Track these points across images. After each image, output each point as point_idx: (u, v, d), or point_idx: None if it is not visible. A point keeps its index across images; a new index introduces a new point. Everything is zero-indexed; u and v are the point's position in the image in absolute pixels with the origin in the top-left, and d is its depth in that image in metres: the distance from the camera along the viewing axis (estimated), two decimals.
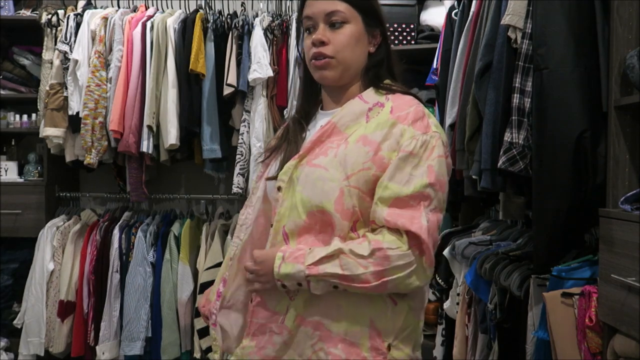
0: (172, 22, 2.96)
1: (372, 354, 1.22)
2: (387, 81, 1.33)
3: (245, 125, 2.92)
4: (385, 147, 1.21)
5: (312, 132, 1.34)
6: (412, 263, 1.16)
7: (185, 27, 2.95)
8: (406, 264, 1.16)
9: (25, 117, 3.30)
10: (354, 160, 1.21)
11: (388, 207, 1.18)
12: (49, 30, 3.10)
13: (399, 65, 1.38)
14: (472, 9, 2.24)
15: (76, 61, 2.96)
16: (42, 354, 3.05)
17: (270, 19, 3.00)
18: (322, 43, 1.26)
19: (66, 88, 3.00)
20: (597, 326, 1.59)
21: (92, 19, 3.01)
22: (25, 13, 3.31)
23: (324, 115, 1.35)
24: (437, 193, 1.20)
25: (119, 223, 3.08)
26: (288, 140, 1.35)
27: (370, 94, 1.30)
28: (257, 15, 3.03)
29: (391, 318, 1.24)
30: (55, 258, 3.06)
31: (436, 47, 2.72)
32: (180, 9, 3.18)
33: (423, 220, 1.17)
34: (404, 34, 3.04)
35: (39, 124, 3.14)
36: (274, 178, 1.30)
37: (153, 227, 3.08)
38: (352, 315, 1.22)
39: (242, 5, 3.15)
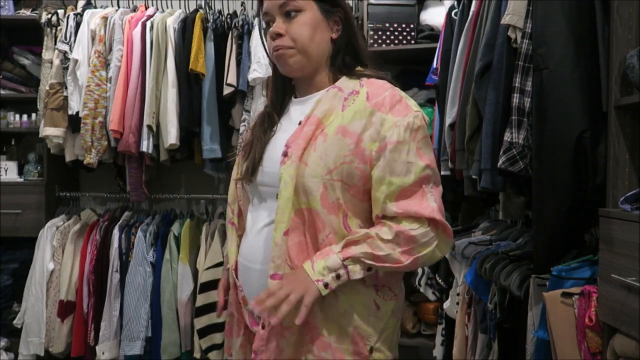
0: (172, 21, 2.96)
1: (354, 357, 1.25)
2: (358, 68, 1.33)
3: (245, 125, 2.92)
4: (366, 137, 1.22)
5: (286, 123, 1.35)
6: (434, 238, 1.24)
7: (185, 27, 2.95)
8: (430, 239, 1.23)
9: (25, 117, 3.30)
10: (335, 154, 1.22)
11: (395, 200, 1.22)
12: (48, 30, 3.10)
13: (366, 49, 1.37)
14: (472, 8, 2.24)
15: (76, 61, 2.96)
16: (42, 354, 3.04)
17: None
18: (279, 35, 1.27)
19: (66, 88, 3.00)
20: (597, 326, 1.59)
21: (92, 19, 3.01)
22: (25, 13, 3.31)
23: (297, 103, 1.36)
24: (434, 170, 1.26)
25: (119, 223, 3.08)
26: (254, 138, 1.37)
27: (345, 82, 1.30)
28: (257, 15, 3.03)
29: (373, 322, 1.27)
30: (55, 258, 3.05)
31: (436, 47, 2.72)
32: (180, 8, 3.18)
33: (432, 202, 1.23)
34: (404, 34, 3.04)
35: (38, 123, 3.14)
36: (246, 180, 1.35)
37: (153, 227, 3.07)
38: (339, 320, 1.25)
39: (242, 5, 3.15)
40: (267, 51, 1.35)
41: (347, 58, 1.32)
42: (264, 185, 1.31)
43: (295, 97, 1.38)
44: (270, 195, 1.29)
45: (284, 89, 1.40)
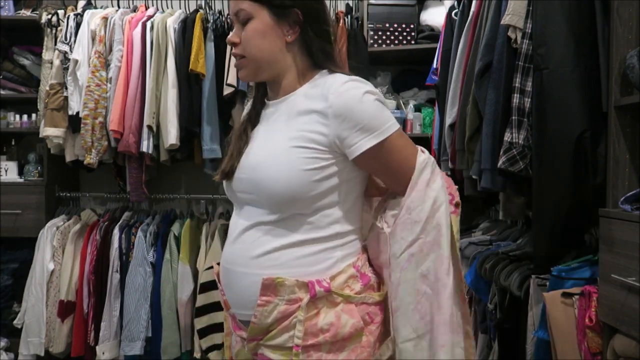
0: (172, 22, 2.96)
1: None
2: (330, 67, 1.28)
3: None
4: None
5: (263, 128, 1.30)
6: None
7: (185, 27, 2.95)
8: None
9: (25, 117, 3.30)
10: None
11: None
12: (49, 30, 3.10)
13: (331, 49, 1.29)
14: (472, 9, 2.24)
15: (76, 61, 2.96)
16: (42, 354, 3.04)
17: None
18: (233, 43, 1.26)
19: (66, 88, 3.00)
20: (597, 326, 1.59)
21: (92, 19, 3.01)
22: (25, 13, 3.31)
23: (270, 106, 1.30)
24: None
25: (119, 223, 3.08)
26: (231, 146, 1.32)
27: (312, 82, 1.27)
28: None
29: None
30: (55, 258, 3.05)
31: (436, 47, 2.72)
32: (180, 9, 3.19)
33: None
34: (404, 34, 3.05)
35: (39, 124, 3.14)
36: None
37: (153, 227, 3.07)
38: None
39: None
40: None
41: (315, 59, 1.26)
42: (241, 192, 1.27)
43: (269, 100, 1.33)
44: (248, 202, 1.26)
45: (259, 91, 1.36)
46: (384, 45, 3.04)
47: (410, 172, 1.19)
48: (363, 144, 1.16)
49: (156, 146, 2.96)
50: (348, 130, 1.15)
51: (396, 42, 3.04)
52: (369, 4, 3.05)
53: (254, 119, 1.34)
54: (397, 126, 1.19)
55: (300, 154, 1.17)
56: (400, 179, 1.21)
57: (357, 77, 1.20)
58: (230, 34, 1.27)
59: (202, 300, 2.89)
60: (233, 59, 2.91)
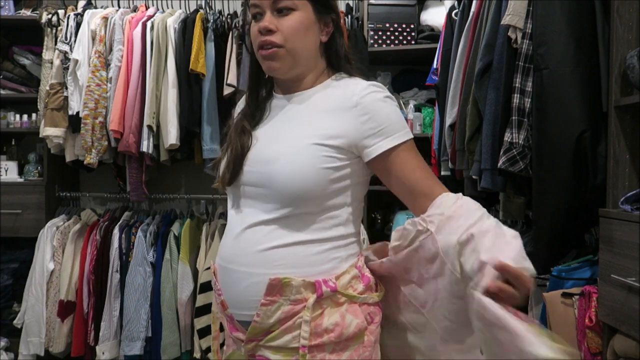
0: (172, 22, 2.96)
1: None
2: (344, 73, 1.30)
3: None
4: None
5: (269, 121, 1.28)
6: None
7: (186, 27, 2.95)
8: None
9: (25, 117, 3.30)
10: None
11: None
12: (49, 30, 3.10)
13: (353, 53, 1.33)
14: (472, 9, 2.24)
15: (76, 61, 2.96)
16: (42, 354, 3.04)
17: None
18: (269, 31, 1.20)
19: (66, 88, 3.00)
20: (597, 326, 1.59)
21: (92, 19, 3.01)
22: (26, 13, 3.31)
23: (282, 98, 1.29)
24: None
25: (119, 223, 3.08)
26: (231, 141, 1.29)
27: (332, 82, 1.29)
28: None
29: None
30: (55, 258, 3.05)
31: (436, 47, 2.72)
32: (180, 9, 3.19)
33: None
34: (404, 34, 3.05)
35: (39, 123, 3.14)
36: None
37: (153, 227, 3.07)
38: None
39: (242, 5, 3.15)
40: (248, 47, 1.30)
41: (335, 62, 1.29)
42: (249, 185, 1.25)
43: (277, 93, 1.32)
44: (255, 197, 1.24)
45: (260, 85, 1.34)
46: (384, 45, 3.04)
47: (419, 187, 1.18)
48: (384, 144, 1.17)
49: (156, 146, 2.96)
50: (370, 130, 1.17)
51: (396, 42, 3.04)
52: (369, 4, 3.05)
53: (258, 112, 1.32)
54: (412, 134, 1.22)
55: (319, 152, 1.17)
56: (410, 190, 1.19)
57: (377, 83, 1.23)
58: (261, 21, 1.20)
59: (202, 300, 2.89)
60: (233, 59, 2.92)
